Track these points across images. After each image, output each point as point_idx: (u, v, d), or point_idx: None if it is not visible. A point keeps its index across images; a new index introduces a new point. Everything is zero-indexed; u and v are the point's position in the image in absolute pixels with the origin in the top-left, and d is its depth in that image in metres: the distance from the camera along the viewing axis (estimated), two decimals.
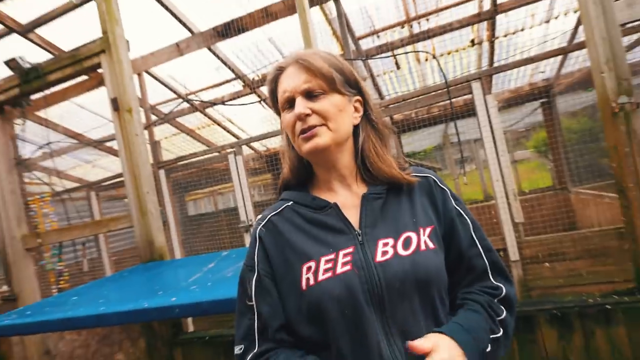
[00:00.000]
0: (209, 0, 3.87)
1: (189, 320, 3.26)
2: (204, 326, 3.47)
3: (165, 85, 5.05)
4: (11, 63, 3.00)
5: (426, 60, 4.93)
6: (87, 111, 5.16)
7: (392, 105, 3.16)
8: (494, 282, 0.88)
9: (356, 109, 0.92)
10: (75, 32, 3.60)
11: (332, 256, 0.82)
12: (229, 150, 3.66)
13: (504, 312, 0.85)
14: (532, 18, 4.23)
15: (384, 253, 0.81)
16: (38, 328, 1.69)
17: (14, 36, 3.82)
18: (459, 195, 0.95)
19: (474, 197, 8.94)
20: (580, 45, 3.21)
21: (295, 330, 0.83)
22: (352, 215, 0.87)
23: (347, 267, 0.80)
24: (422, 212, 0.88)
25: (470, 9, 4.16)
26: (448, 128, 7.61)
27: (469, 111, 4.74)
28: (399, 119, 5.13)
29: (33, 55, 3.20)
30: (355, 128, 0.92)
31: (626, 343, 1.99)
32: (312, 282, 0.80)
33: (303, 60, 0.87)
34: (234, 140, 5.80)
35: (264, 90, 5.01)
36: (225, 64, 4.57)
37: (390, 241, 0.82)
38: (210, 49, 4.22)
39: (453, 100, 2.79)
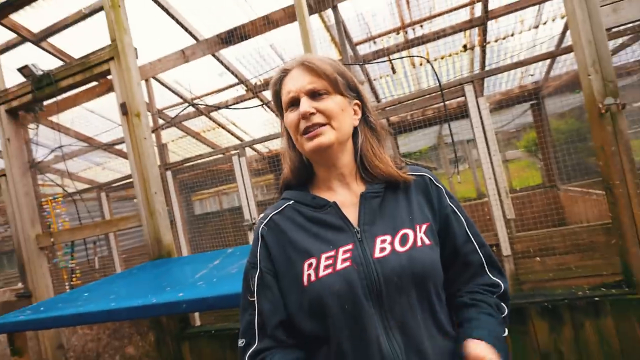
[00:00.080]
0: (213, 8, 3.87)
1: (196, 314, 3.25)
2: (210, 320, 3.46)
3: (172, 91, 5.05)
4: (24, 70, 3.00)
5: (421, 64, 4.93)
6: (97, 116, 5.16)
7: (388, 108, 3.16)
8: (492, 277, 0.89)
9: (355, 112, 0.92)
10: (85, 40, 3.60)
11: (332, 253, 0.81)
12: (233, 152, 3.65)
13: (506, 311, 0.87)
14: (522, 24, 4.23)
15: (382, 249, 0.80)
16: (51, 323, 1.69)
17: (28, 45, 3.83)
18: (453, 193, 0.95)
19: (467, 195, 8.94)
20: (568, 49, 3.20)
21: (297, 325, 0.83)
22: (351, 214, 0.87)
23: (347, 264, 0.80)
24: (418, 210, 0.87)
25: (462, 16, 4.16)
26: (442, 129, 7.59)
27: (462, 113, 4.74)
28: (395, 121, 5.13)
29: (45, 63, 3.20)
30: (354, 130, 0.92)
31: (614, 334, 1.99)
32: (313, 278, 0.80)
33: (309, 63, 0.87)
34: (237, 142, 5.80)
35: (266, 94, 5.01)
36: (228, 69, 4.57)
37: (388, 238, 0.82)
38: (214, 56, 4.22)
39: (447, 102, 2.79)
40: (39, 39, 3.74)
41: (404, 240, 0.82)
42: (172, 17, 3.71)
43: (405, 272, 0.78)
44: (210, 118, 5.62)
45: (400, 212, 0.86)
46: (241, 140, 6.15)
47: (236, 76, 4.73)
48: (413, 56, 4.62)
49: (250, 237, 3.56)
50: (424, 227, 0.85)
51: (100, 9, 3.34)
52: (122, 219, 2.88)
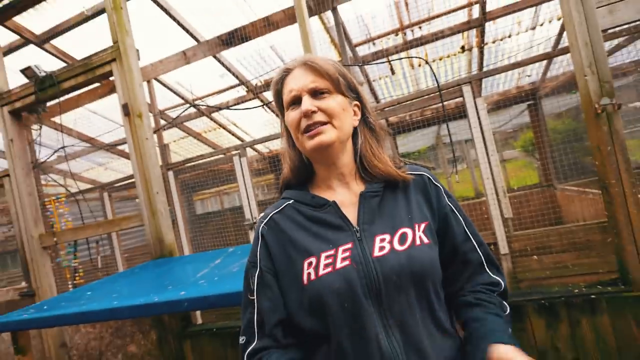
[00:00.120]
0: (213, 10, 3.87)
1: (198, 313, 3.25)
2: (211, 319, 3.46)
3: (173, 92, 5.05)
4: (27, 71, 2.99)
5: (419, 65, 4.93)
6: (99, 116, 5.16)
7: (387, 108, 3.16)
8: (492, 275, 0.89)
9: (355, 113, 0.92)
10: (87, 42, 3.60)
11: (331, 252, 0.81)
12: (233, 152, 3.65)
13: (508, 309, 0.87)
14: (519, 25, 4.23)
15: (381, 248, 0.80)
16: (55, 322, 1.68)
17: (31, 46, 3.83)
18: (451, 193, 0.95)
19: (465, 194, 8.94)
20: (564, 50, 3.20)
21: (297, 324, 0.83)
22: (351, 213, 0.87)
23: (346, 262, 0.79)
24: (417, 209, 0.87)
25: (460, 17, 4.16)
26: (440, 129, 7.60)
27: (460, 113, 4.74)
28: (394, 121, 5.12)
29: (48, 64, 3.19)
30: (354, 130, 0.92)
31: (610, 331, 1.99)
32: (313, 276, 0.80)
33: (311, 62, 0.87)
34: (238, 142, 5.80)
35: (267, 95, 5.01)
36: (229, 70, 4.57)
37: (387, 237, 0.82)
38: (215, 57, 4.22)
39: (445, 103, 2.79)
40: (42, 40, 3.74)
41: (402, 239, 0.82)
42: (174, 19, 3.71)
43: (404, 270, 0.78)
44: (212, 119, 5.62)
45: (399, 211, 0.86)
46: (242, 140, 6.15)
47: (237, 77, 4.73)
48: (412, 57, 4.62)
49: (251, 236, 3.56)
50: (422, 226, 0.85)
51: (103, 11, 3.34)
52: (125, 219, 2.88)
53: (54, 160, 4.58)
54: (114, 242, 5.31)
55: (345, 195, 0.90)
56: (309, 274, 0.80)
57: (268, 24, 3.43)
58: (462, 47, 4.59)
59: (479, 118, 2.70)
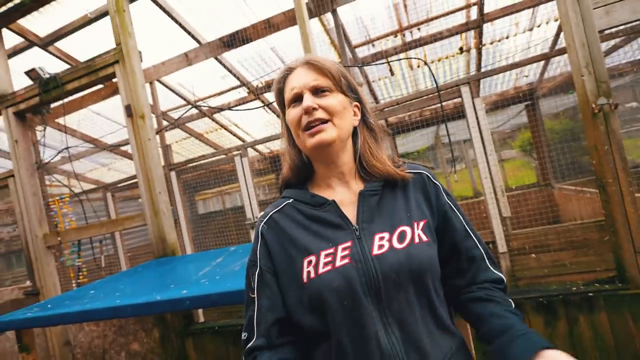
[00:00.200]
0: (215, 13, 3.87)
1: (200, 311, 3.25)
2: (213, 317, 3.46)
3: (175, 93, 5.05)
4: (32, 73, 2.99)
5: (418, 66, 4.92)
6: (102, 118, 5.17)
7: (387, 109, 3.15)
8: (495, 272, 0.89)
9: (355, 113, 0.92)
10: (91, 44, 3.60)
11: (331, 250, 0.81)
12: (235, 153, 3.65)
13: (513, 305, 0.86)
14: (516, 26, 4.22)
15: (380, 247, 0.80)
16: (59, 320, 1.68)
17: (35, 49, 3.83)
18: (450, 192, 0.94)
19: (464, 193, 8.93)
20: (561, 51, 3.20)
21: (297, 322, 0.83)
22: (350, 212, 0.86)
23: (346, 261, 0.79)
24: (416, 207, 0.87)
25: (458, 19, 4.16)
26: (439, 130, 7.60)
27: (459, 114, 4.74)
28: (393, 122, 5.12)
29: (52, 66, 3.20)
30: (354, 130, 0.92)
31: (607, 329, 1.98)
32: (312, 275, 0.79)
33: (314, 61, 0.87)
34: (239, 143, 5.80)
35: (268, 96, 5.01)
36: (230, 72, 4.57)
37: (386, 235, 0.82)
38: (216, 59, 4.22)
39: (444, 103, 2.78)
40: (46, 43, 3.74)
41: (401, 237, 0.81)
42: (176, 21, 3.71)
43: (403, 268, 0.78)
44: (213, 119, 5.62)
45: (398, 209, 0.86)
46: (243, 141, 6.15)
47: (238, 79, 4.73)
48: (411, 58, 4.62)
49: (252, 235, 3.55)
50: (421, 224, 0.84)
51: (106, 13, 3.34)
52: (127, 219, 2.88)
53: (58, 160, 4.59)
54: (117, 241, 5.31)
55: (345, 194, 0.89)
56: (308, 272, 0.80)
57: (269, 26, 3.43)
58: (461, 48, 4.58)
59: (477, 118, 2.69)
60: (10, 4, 3.10)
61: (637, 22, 2.00)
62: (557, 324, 2.09)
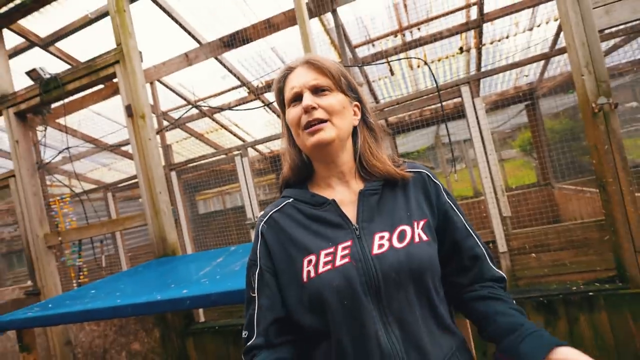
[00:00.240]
0: (215, 13, 3.87)
1: (200, 311, 3.25)
2: (214, 317, 3.46)
3: (176, 93, 5.05)
4: (32, 74, 2.99)
5: (418, 66, 4.92)
6: (103, 118, 5.17)
7: (387, 109, 3.15)
8: (497, 270, 0.89)
9: (355, 113, 0.92)
10: (91, 44, 3.60)
11: (331, 250, 0.81)
12: (235, 153, 3.65)
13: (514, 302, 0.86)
14: (516, 26, 4.22)
15: (380, 246, 0.80)
16: (59, 320, 1.68)
17: (36, 49, 3.83)
18: (450, 191, 0.94)
19: (464, 193, 8.93)
20: (561, 51, 3.20)
21: (297, 321, 0.83)
22: (350, 211, 0.86)
23: (346, 260, 0.79)
24: (416, 206, 0.87)
25: (458, 18, 4.16)
26: (439, 129, 7.60)
27: (459, 113, 4.74)
28: (393, 122, 5.12)
29: (53, 67, 3.20)
30: (354, 130, 0.92)
31: (608, 329, 1.98)
32: (312, 274, 0.79)
33: (314, 61, 0.87)
34: (240, 143, 5.80)
35: (268, 96, 5.01)
36: (231, 72, 4.57)
37: (386, 234, 0.81)
38: (217, 59, 4.22)
39: (444, 103, 2.78)
40: (47, 43, 3.74)
41: (401, 236, 0.81)
42: (176, 21, 3.71)
43: (403, 268, 0.78)
44: (213, 119, 5.62)
45: (398, 208, 0.86)
46: (243, 141, 6.15)
47: (238, 79, 4.73)
48: (411, 58, 4.62)
49: (253, 235, 3.55)
50: (421, 223, 0.84)
51: (106, 13, 3.34)
52: (128, 218, 2.88)
53: (59, 161, 4.59)
54: (117, 241, 5.32)
55: (345, 194, 0.89)
56: (308, 271, 0.80)
57: (269, 26, 3.43)
58: (461, 48, 4.58)
59: (477, 118, 2.69)
60: (11, 5, 3.10)
61: (637, 22, 1.99)
62: (558, 324, 2.09)
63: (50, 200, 3.32)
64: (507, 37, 4.37)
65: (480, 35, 4.26)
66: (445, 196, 0.91)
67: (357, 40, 4.35)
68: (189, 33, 3.86)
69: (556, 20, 3.93)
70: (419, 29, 4.25)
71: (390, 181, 0.89)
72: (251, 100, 5.11)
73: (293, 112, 0.86)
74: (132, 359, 2.75)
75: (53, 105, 3.23)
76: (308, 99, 0.83)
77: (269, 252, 0.88)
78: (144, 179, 2.74)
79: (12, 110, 3.17)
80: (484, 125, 2.69)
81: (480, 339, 0.85)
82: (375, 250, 0.79)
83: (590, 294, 2.02)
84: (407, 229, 0.82)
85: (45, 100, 3.04)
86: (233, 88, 5.08)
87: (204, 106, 5.24)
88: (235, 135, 6.13)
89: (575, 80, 2.01)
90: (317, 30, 3.87)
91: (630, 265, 1.94)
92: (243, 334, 0.87)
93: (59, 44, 3.88)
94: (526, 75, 5.03)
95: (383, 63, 4.61)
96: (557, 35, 3.97)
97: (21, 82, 3.21)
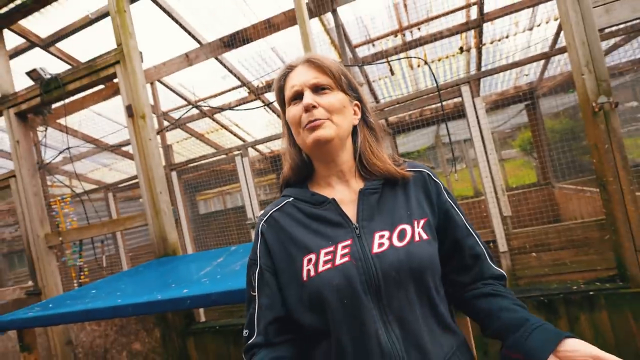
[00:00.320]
0: (215, 13, 3.87)
1: (201, 311, 3.25)
2: (214, 316, 3.46)
3: (176, 93, 5.06)
4: (33, 74, 3.00)
5: (418, 66, 4.92)
6: (103, 118, 5.17)
7: (387, 109, 3.15)
8: (496, 268, 0.89)
9: (355, 112, 0.92)
10: (91, 45, 3.61)
11: (331, 248, 0.81)
12: (236, 153, 3.65)
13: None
14: (516, 26, 4.22)
15: (380, 245, 0.80)
16: (60, 319, 1.68)
17: (36, 50, 3.84)
18: (451, 191, 0.94)
19: (464, 193, 8.93)
20: (562, 50, 3.19)
21: (296, 320, 0.82)
22: (350, 210, 0.86)
23: (346, 259, 0.79)
24: (417, 205, 0.86)
25: (458, 18, 4.16)
26: (440, 129, 7.60)
27: (459, 113, 4.74)
28: (393, 121, 5.13)
29: (53, 67, 3.20)
30: (354, 129, 0.92)
31: (608, 328, 1.98)
32: (312, 273, 0.79)
33: (314, 60, 0.87)
34: (240, 143, 5.80)
35: (268, 96, 5.01)
36: (231, 72, 4.57)
37: (386, 233, 0.81)
38: (217, 59, 4.22)
39: (444, 103, 2.78)
40: (47, 44, 3.74)
41: (402, 235, 0.81)
42: (176, 21, 3.72)
43: (403, 267, 0.77)
44: (214, 120, 5.63)
45: (398, 207, 0.85)
46: (244, 141, 6.15)
47: (239, 79, 4.74)
48: (411, 57, 4.62)
49: (253, 234, 3.55)
50: (421, 222, 0.84)
51: (106, 14, 3.34)
52: (129, 218, 2.88)
53: (60, 161, 4.60)
54: (118, 241, 5.32)
55: (345, 193, 0.89)
56: (308, 270, 0.80)
57: (269, 26, 3.43)
58: (461, 48, 4.58)
59: (477, 118, 2.69)
60: (11, 5, 3.10)
61: (637, 21, 1.99)
62: (558, 323, 2.08)
63: (51, 200, 3.32)
64: (507, 37, 4.37)
65: (480, 35, 4.26)
66: (446, 195, 0.91)
67: (357, 40, 4.35)
68: (189, 33, 3.86)
69: (556, 19, 3.93)
70: (419, 28, 4.25)
71: (391, 180, 0.88)
72: (251, 100, 5.11)
73: (293, 111, 0.86)
74: (133, 359, 2.75)
75: (54, 106, 3.23)
76: (308, 98, 0.83)
77: (269, 251, 0.87)
78: (144, 179, 2.75)
79: (13, 110, 3.18)
80: (484, 124, 2.68)
81: (483, 337, 0.85)
82: (375, 249, 0.79)
83: (591, 293, 2.02)
84: (407, 227, 0.82)
85: (45, 100, 3.05)
86: (233, 88, 5.08)
87: (205, 106, 5.24)
88: (235, 135, 6.13)
89: (576, 79, 2.01)
90: (317, 30, 3.87)
91: (630, 265, 1.94)
92: (244, 332, 0.87)
93: (59, 45, 3.88)
94: (526, 75, 5.02)
95: (383, 63, 4.61)
96: (557, 34, 3.97)
97: (22, 83, 3.22)
